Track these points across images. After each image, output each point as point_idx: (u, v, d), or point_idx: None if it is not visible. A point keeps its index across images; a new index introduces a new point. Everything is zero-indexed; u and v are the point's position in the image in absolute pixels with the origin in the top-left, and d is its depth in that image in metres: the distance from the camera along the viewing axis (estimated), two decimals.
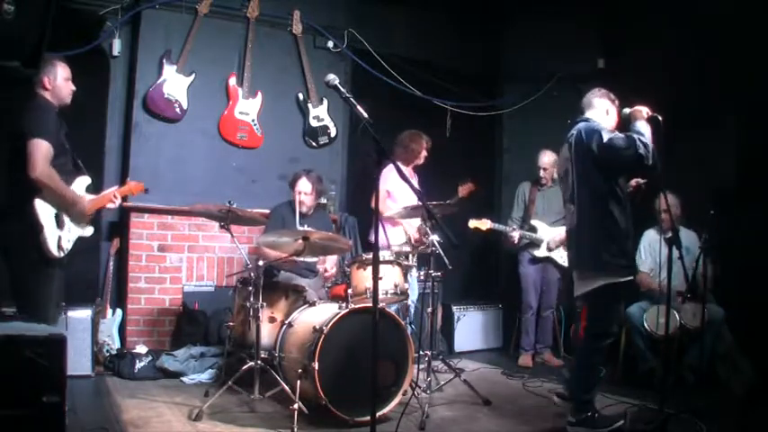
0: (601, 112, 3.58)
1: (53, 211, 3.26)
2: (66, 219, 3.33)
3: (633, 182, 3.72)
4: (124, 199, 4.33)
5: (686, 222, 4.77)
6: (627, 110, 3.53)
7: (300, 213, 4.55)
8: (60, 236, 3.28)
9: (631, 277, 3.47)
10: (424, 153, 5.06)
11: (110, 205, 3.63)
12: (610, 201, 3.41)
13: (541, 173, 5.44)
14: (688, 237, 4.67)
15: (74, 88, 3.48)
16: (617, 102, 3.62)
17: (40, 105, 3.32)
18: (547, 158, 5.40)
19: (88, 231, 3.51)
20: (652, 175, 3.51)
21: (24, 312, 3.17)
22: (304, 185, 4.58)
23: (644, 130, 3.39)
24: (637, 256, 4.82)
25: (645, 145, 3.31)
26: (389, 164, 4.50)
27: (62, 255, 3.28)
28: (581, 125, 3.51)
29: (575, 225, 3.53)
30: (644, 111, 3.45)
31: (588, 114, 3.59)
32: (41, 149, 3.16)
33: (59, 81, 3.41)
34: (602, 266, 3.38)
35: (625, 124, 3.53)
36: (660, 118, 3.38)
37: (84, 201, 3.43)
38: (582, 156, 3.45)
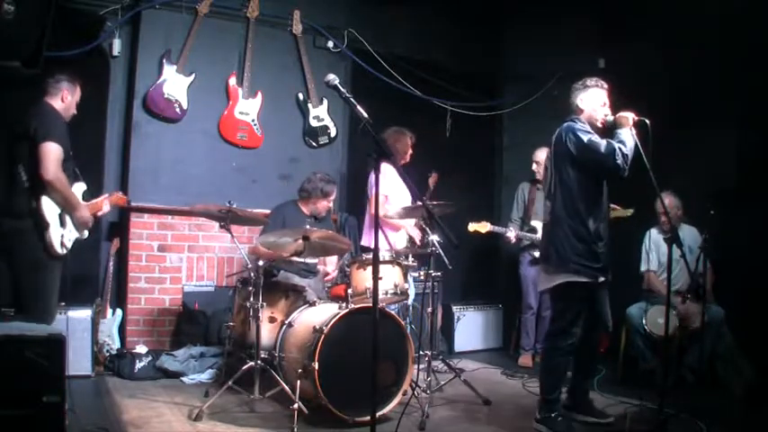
0: (578, 111, 3.57)
1: (57, 210, 3.42)
2: (68, 219, 3.49)
3: (612, 206, 3.84)
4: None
5: (689, 221, 4.78)
6: (611, 117, 3.52)
7: (305, 215, 4.57)
8: (63, 234, 3.43)
9: (595, 280, 3.45)
10: (410, 151, 4.93)
11: (99, 213, 3.79)
12: (581, 202, 3.45)
13: (534, 167, 5.42)
14: (692, 235, 4.67)
15: (75, 113, 3.69)
16: (593, 83, 3.56)
17: (50, 112, 3.48)
18: (542, 154, 5.39)
19: (85, 234, 3.67)
20: (621, 180, 3.50)
21: (27, 308, 3.29)
22: (332, 200, 4.67)
23: (626, 138, 3.39)
24: (642, 256, 4.84)
25: (624, 156, 3.33)
26: (387, 165, 4.54)
27: (65, 252, 3.45)
28: (564, 125, 3.54)
29: (548, 221, 3.60)
30: (630, 117, 3.44)
31: (576, 115, 3.59)
32: (54, 152, 3.32)
33: (74, 101, 3.63)
34: (565, 264, 3.44)
35: (610, 130, 3.52)
36: (648, 121, 3.37)
37: (85, 209, 3.59)
38: (560, 156, 3.52)
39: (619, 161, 3.32)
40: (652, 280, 4.79)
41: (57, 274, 3.45)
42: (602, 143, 3.38)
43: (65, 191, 3.40)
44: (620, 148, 3.34)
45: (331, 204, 4.70)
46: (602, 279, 3.50)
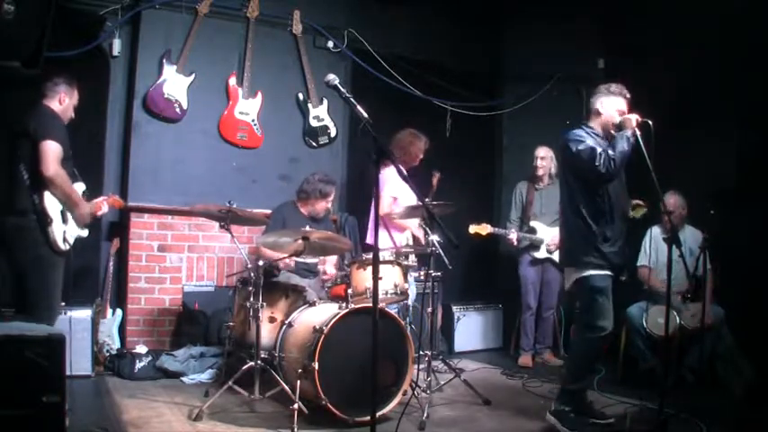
0: (595, 114, 3.63)
1: (59, 206, 3.48)
2: (69, 215, 3.55)
3: (634, 202, 3.95)
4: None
5: (691, 221, 4.78)
6: (617, 118, 3.55)
7: (305, 216, 4.58)
8: (65, 230, 3.50)
9: (608, 273, 3.51)
10: (421, 155, 4.98)
11: (98, 213, 3.83)
12: (583, 203, 3.52)
13: (538, 162, 5.42)
14: (694, 237, 4.67)
15: (73, 116, 3.72)
16: (617, 90, 3.60)
17: (49, 113, 3.54)
18: (543, 151, 5.41)
19: (84, 232, 3.72)
20: (607, 183, 3.54)
21: (31, 306, 3.35)
22: (330, 201, 4.69)
23: (618, 143, 3.42)
24: (641, 252, 4.84)
25: (608, 160, 3.38)
26: (390, 165, 4.55)
27: (67, 248, 3.51)
28: (566, 132, 3.61)
29: (561, 224, 3.79)
30: (633, 119, 3.46)
31: (590, 120, 3.66)
32: (54, 150, 3.38)
33: (71, 103, 3.67)
34: (575, 262, 3.56)
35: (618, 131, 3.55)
36: (651, 123, 3.38)
37: (86, 206, 3.65)
38: (562, 161, 3.72)
39: (598, 165, 3.38)
40: (645, 276, 4.79)
41: (60, 272, 3.50)
42: (587, 151, 3.44)
43: (66, 187, 3.46)
44: (603, 152, 3.39)
45: (329, 205, 4.71)
46: (621, 277, 3.63)
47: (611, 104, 3.58)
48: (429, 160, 5.16)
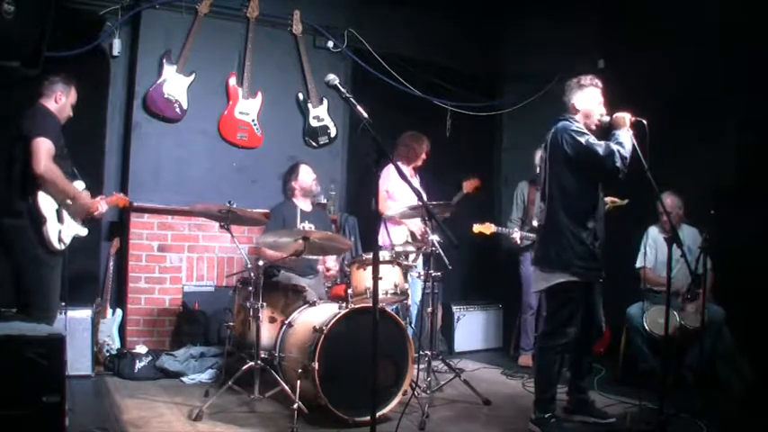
0: (572, 110, 3.54)
1: (55, 205, 3.47)
2: (65, 214, 3.54)
3: (609, 199, 3.82)
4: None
5: (689, 221, 4.78)
6: (607, 117, 3.50)
7: (303, 212, 4.58)
8: (60, 230, 3.49)
9: (593, 279, 3.48)
10: (424, 155, 5.11)
11: (96, 213, 3.81)
12: (580, 203, 3.44)
13: (538, 170, 5.44)
14: (692, 235, 4.67)
15: (71, 114, 3.71)
16: (588, 82, 3.55)
17: (42, 111, 3.53)
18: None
19: (83, 231, 3.71)
20: (618, 182, 3.48)
21: (29, 306, 3.37)
22: (308, 171, 4.76)
23: (625, 140, 3.37)
24: (640, 253, 4.83)
25: (623, 158, 3.31)
26: (389, 164, 4.57)
27: (63, 247, 3.51)
28: (559, 126, 3.50)
29: (544, 223, 3.55)
30: (626, 117, 3.42)
31: (570, 114, 3.56)
32: (44, 147, 3.36)
33: (68, 102, 3.66)
34: (564, 264, 3.41)
35: (606, 131, 3.50)
36: (645, 122, 3.36)
37: (85, 196, 3.65)
38: (556, 157, 3.47)
39: (618, 164, 3.30)
40: (648, 276, 4.78)
41: (57, 271, 3.50)
42: (601, 144, 3.36)
43: (59, 182, 3.44)
44: (618, 151, 3.32)
45: (314, 175, 4.79)
46: (600, 279, 3.53)
47: (587, 98, 3.52)
48: (428, 160, 5.16)
